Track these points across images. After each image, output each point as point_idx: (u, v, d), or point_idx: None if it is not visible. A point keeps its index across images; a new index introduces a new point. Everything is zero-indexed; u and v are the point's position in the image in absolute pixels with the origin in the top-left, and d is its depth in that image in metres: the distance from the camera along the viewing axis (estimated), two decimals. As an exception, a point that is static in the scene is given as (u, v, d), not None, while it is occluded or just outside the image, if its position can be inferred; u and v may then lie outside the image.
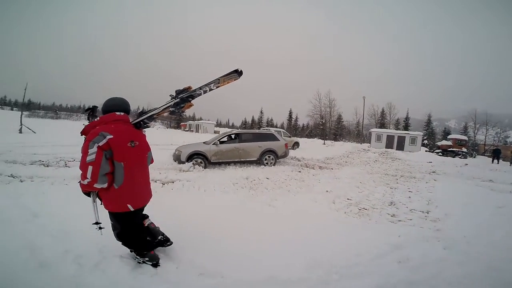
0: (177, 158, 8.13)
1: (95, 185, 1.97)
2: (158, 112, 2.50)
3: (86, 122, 2.29)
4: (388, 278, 2.57)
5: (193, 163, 8.01)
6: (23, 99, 19.58)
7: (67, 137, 14.24)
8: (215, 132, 43.52)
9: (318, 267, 2.68)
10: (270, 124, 64.17)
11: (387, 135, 28.15)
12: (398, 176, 9.04)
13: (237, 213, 4.27)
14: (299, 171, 8.61)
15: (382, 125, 45.96)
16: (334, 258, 2.87)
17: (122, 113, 2.23)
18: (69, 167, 7.25)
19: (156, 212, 3.16)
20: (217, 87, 2.58)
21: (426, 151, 28.24)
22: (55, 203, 3.94)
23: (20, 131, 15.27)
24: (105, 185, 2.03)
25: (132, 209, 2.21)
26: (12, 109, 63.98)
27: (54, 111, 60.73)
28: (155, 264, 2.48)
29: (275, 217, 4.23)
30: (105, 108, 2.22)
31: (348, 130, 54.89)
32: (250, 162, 9.04)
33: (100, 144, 1.94)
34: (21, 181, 5.49)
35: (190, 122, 58.48)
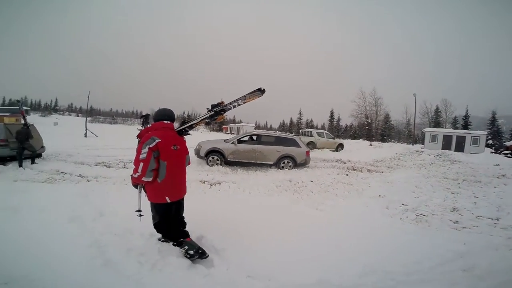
0: (197, 153, 8.43)
1: (143, 178, 2.42)
2: (197, 123, 2.97)
3: (140, 127, 2.95)
4: (451, 285, 2.46)
5: (209, 160, 8.20)
6: (87, 106, 22.09)
7: (124, 140, 15.61)
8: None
9: (372, 273, 2.58)
10: (310, 125, 62.69)
11: (444, 135, 25.33)
12: (460, 180, 8.12)
13: (283, 216, 4.20)
14: (346, 174, 8.21)
15: (436, 124, 41.79)
16: (389, 264, 2.75)
17: (168, 122, 2.69)
18: (127, 168, 7.90)
19: (208, 214, 3.28)
20: (244, 103, 2.95)
21: (491, 152, 24.84)
22: (117, 202, 4.25)
23: (85, 135, 17.26)
24: (151, 179, 2.45)
25: (168, 201, 2.58)
26: (77, 115, 72.58)
27: (112, 116, 67.38)
28: (197, 252, 2.61)
29: (323, 221, 4.08)
30: (156, 116, 2.71)
31: (397, 130, 50.91)
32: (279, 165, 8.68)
33: (151, 146, 2.39)
34: (88, 181, 6.14)
35: (231, 125, 60.02)
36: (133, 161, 2.50)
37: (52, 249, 2.74)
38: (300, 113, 62.45)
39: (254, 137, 8.97)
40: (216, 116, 2.88)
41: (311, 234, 3.50)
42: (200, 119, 2.96)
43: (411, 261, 2.85)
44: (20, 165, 7.34)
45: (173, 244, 2.76)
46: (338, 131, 55.09)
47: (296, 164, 8.60)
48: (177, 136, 2.74)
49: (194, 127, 2.97)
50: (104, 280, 2.32)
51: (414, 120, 36.57)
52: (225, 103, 2.92)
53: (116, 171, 7.26)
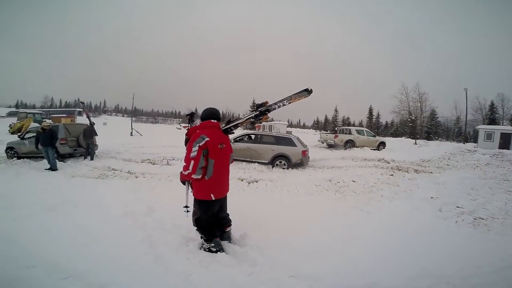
0: None
1: (193, 176, 2.50)
2: (242, 122, 2.99)
3: (179, 126, 2.89)
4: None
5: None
6: (132, 107, 23.68)
7: (165, 138, 16.46)
8: (287, 132, 43.39)
9: (426, 276, 2.47)
10: (346, 122, 60.30)
11: (501, 133, 22.38)
12: (524, 183, 7.13)
13: (326, 216, 4.05)
14: (391, 175, 7.69)
15: (492, 121, 37.46)
16: (444, 268, 2.62)
17: (215, 121, 2.75)
18: (170, 165, 8.30)
19: (248, 212, 3.26)
20: (289, 103, 2.91)
21: None
22: (165, 198, 4.43)
23: (131, 134, 18.53)
24: (200, 176, 2.53)
25: (213, 198, 2.64)
26: (123, 116, 78.37)
27: (153, 116, 71.70)
28: (218, 250, 2.73)
29: (371, 222, 3.90)
30: (203, 115, 2.78)
31: (445, 128, 46.68)
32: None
33: (200, 144, 2.47)
34: (136, 177, 6.53)
35: (264, 123, 60.08)
36: (183, 159, 2.58)
37: (109, 244, 2.89)
38: (335, 110, 60.35)
39: (252, 136, 8.99)
40: (261, 116, 2.88)
41: (357, 236, 3.36)
42: (245, 118, 3.00)
43: (469, 265, 2.68)
44: (92, 158, 8.48)
45: (204, 239, 2.78)
46: (377, 129, 52.25)
47: (291, 163, 8.28)
48: (223, 135, 2.80)
49: (239, 126, 3.00)
50: (155, 276, 2.38)
51: (466, 116, 33.12)
52: (269, 103, 2.91)
53: (161, 168, 7.65)
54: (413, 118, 37.42)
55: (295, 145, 8.48)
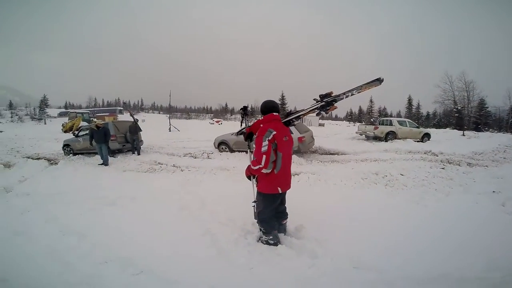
0: (214, 144, 9.91)
1: (263, 170, 2.46)
2: (305, 113, 2.89)
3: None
4: None
5: (221, 149, 9.57)
6: (169, 104, 24.70)
7: (200, 133, 16.98)
8: (319, 125, 42.28)
9: (497, 269, 2.35)
10: (383, 113, 57.29)
11: None
12: None
13: (381, 209, 3.86)
14: (442, 168, 7.14)
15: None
16: None
17: (276, 113, 2.69)
18: (210, 158, 8.54)
19: (298, 205, 3.23)
20: (358, 92, 2.80)
21: None
22: (213, 191, 4.55)
23: (169, 130, 19.37)
24: (270, 171, 2.51)
25: (280, 192, 2.63)
26: (159, 113, 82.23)
27: (187, 112, 74.32)
28: (276, 243, 2.74)
29: (430, 216, 3.65)
30: (265, 109, 2.72)
31: (497, 118, 42.12)
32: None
33: (269, 138, 2.43)
34: (182, 171, 6.80)
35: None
36: (253, 154, 2.56)
37: (173, 238, 2.97)
38: (371, 101, 57.59)
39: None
40: (328, 106, 2.77)
41: (418, 228, 3.18)
42: (308, 109, 2.88)
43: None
44: (138, 153, 9.12)
45: (262, 232, 2.78)
46: (418, 119, 48.85)
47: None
48: (286, 127, 2.76)
49: (301, 118, 2.94)
50: (221, 270, 2.40)
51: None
52: (334, 93, 2.79)
53: (202, 161, 7.90)
54: (459, 108, 34.45)
55: (291, 133, 8.26)
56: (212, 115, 74.34)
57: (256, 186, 2.74)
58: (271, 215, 2.77)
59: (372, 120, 35.53)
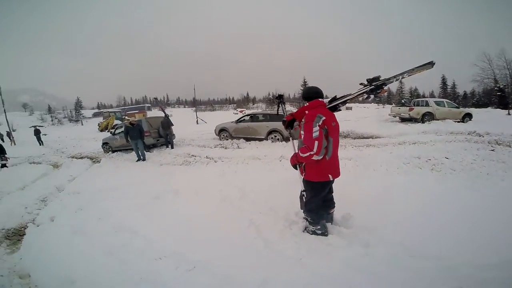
0: (215, 131, 10.63)
1: (315, 157, 2.36)
2: (352, 97, 2.77)
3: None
4: None
5: (221, 136, 10.26)
6: (194, 98, 25.16)
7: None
8: (347, 108, 40.73)
9: None
10: (415, 94, 53.93)
11: None
12: None
13: (431, 195, 3.62)
14: (492, 150, 6.59)
15: None
16: None
17: (321, 99, 2.61)
18: (240, 148, 8.60)
19: (342, 192, 3.13)
20: (409, 76, 2.69)
21: None
22: (249, 181, 4.56)
23: (197, 122, 19.81)
24: (321, 157, 2.41)
25: (331, 179, 2.56)
26: (184, 107, 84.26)
27: (211, 105, 75.47)
28: (324, 233, 2.69)
29: (485, 202, 3.34)
30: (309, 95, 2.63)
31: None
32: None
33: (319, 123, 2.35)
34: (215, 162, 6.92)
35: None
36: (303, 141, 2.43)
37: (220, 231, 2.99)
38: (400, 82, 54.31)
39: (252, 116, 10.06)
40: (378, 90, 2.64)
41: (476, 216, 2.94)
42: (356, 93, 2.76)
43: None
44: (172, 147, 9.54)
45: (309, 221, 2.74)
46: (455, 99, 45.45)
47: (283, 137, 8.87)
48: (332, 113, 2.66)
49: (347, 102, 2.82)
50: (270, 262, 2.38)
51: None
52: (381, 77, 2.66)
53: (233, 152, 7.97)
54: (501, 86, 31.55)
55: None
56: (235, 105, 74.78)
57: (303, 174, 2.64)
58: (319, 205, 2.70)
59: (403, 101, 33.48)
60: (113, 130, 10.95)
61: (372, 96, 2.75)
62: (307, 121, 2.42)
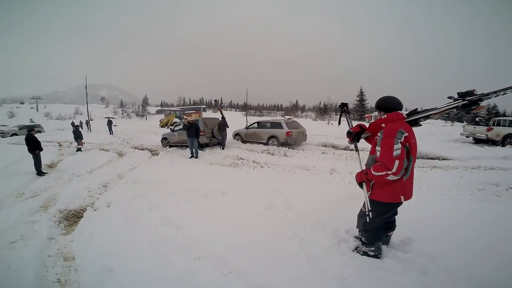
0: (232, 135, 12.04)
1: (391, 177, 2.12)
2: (438, 112, 2.48)
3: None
4: None
5: (235, 140, 11.80)
6: (245, 102, 25.83)
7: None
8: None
9: None
10: (493, 112, 46.95)
11: None
12: None
13: (509, 228, 3.08)
14: None
15: None
16: None
17: (400, 112, 2.36)
18: (287, 156, 8.49)
19: (405, 216, 2.79)
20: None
21: None
22: (296, 191, 4.44)
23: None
24: (399, 177, 2.16)
25: (403, 201, 2.30)
26: (235, 110, 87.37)
27: (259, 110, 76.92)
28: (377, 255, 2.48)
29: None
30: (388, 105, 2.36)
31: None
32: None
33: (401, 140, 2.13)
34: (261, 167, 6.91)
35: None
36: (380, 158, 2.19)
37: (261, 238, 2.92)
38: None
39: (260, 123, 11.42)
40: (473, 106, 2.31)
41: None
42: (443, 108, 2.44)
43: None
44: (223, 148, 10.11)
45: (363, 241, 2.52)
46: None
47: (280, 142, 10.12)
48: (411, 128, 2.38)
49: (429, 117, 2.53)
50: (311, 279, 2.26)
51: None
52: (476, 92, 2.33)
53: (280, 159, 7.90)
54: None
55: (282, 128, 10.30)
56: (283, 112, 74.82)
57: (369, 192, 2.38)
58: (380, 226, 2.47)
59: (477, 119, 29.38)
60: (172, 127, 11.85)
61: (463, 112, 2.43)
62: (386, 136, 2.17)
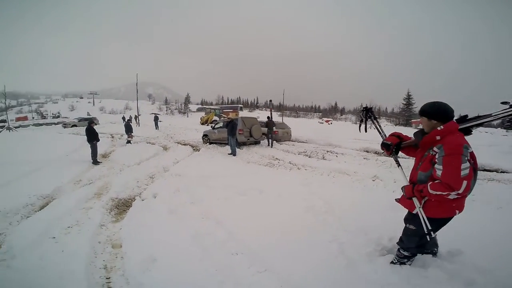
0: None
1: (454, 196, 1.91)
2: (490, 120, 2.27)
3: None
4: None
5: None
6: (282, 102, 25.76)
7: (310, 132, 16.92)
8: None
9: None
10: None
11: None
12: None
13: None
14: None
15: None
16: None
17: (455, 121, 2.11)
18: (325, 159, 8.31)
19: (462, 226, 2.59)
20: None
21: None
22: (336, 196, 4.35)
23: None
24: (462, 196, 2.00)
25: (457, 214, 2.11)
26: (261, 110, 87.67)
27: (296, 111, 76.36)
28: (404, 264, 2.39)
29: None
30: (444, 113, 2.05)
31: None
32: None
33: (468, 157, 1.92)
34: (298, 169, 6.87)
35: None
36: (444, 176, 1.90)
37: (299, 240, 2.91)
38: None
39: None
40: None
41: None
42: (499, 115, 2.21)
43: None
44: (271, 146, 10.69)
45: (401, 250, 2.38)
46: None
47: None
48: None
49: (482, 125, 2.35)
50: (348, 282, 2.23)
51: None
52: None
53: (318, 162, 7.77)
54: None
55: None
56: (320, 114, 73.01)
57: (420, 207, 2.14)
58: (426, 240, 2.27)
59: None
60: (213, 125, 12.39)
61: None
62: (451, 153, 1.90)
